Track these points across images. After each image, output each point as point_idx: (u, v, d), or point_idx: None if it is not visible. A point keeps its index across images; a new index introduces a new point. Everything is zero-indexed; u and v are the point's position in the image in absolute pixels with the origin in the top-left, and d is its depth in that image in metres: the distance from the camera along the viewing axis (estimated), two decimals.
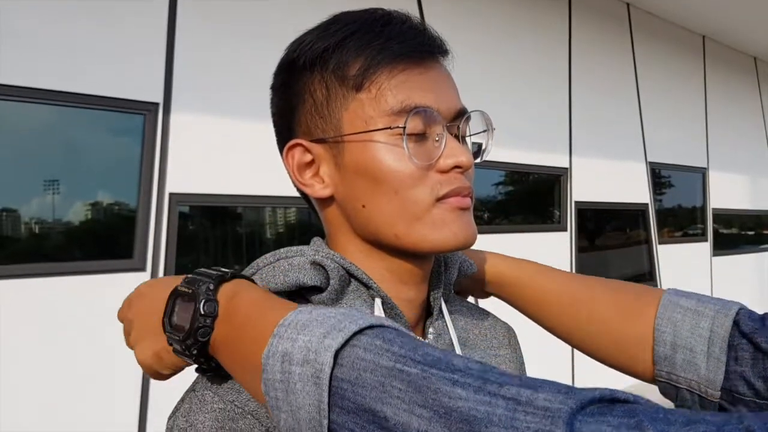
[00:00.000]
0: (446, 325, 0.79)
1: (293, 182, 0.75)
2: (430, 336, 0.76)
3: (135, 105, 3.65)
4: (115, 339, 3.30)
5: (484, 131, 0.77)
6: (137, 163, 3.67)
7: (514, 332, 0.92)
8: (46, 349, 3.30)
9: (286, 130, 0.75)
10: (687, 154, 8.24)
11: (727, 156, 8.91)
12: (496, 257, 0.92)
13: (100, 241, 3.72)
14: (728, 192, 8.99)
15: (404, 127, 0.67)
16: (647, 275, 7.48)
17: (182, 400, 0.66)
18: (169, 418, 0.66)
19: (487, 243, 5.77)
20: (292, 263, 0.70)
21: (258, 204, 4.27)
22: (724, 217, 9.03)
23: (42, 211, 3.49)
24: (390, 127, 0.68)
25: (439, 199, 0.69)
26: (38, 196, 3.48)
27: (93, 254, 3.64)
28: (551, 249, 6.25)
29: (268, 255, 0.72)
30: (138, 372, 3.56)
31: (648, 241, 7.52)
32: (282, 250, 0.73)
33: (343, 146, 0.70)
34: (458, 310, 0.85)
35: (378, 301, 0.71)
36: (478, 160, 0.76)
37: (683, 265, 7.97)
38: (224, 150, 3.99)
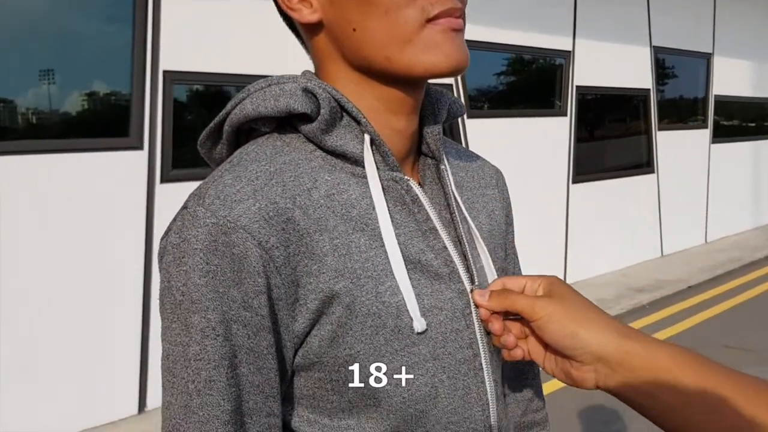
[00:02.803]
0: (445, 168, 0.79)
1: (279, 8, 0.74)
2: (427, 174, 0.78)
3: None
4: (113, 216, 3.29)
5: None
6: (130, 43, 3.58)
7: (501, 174, 0.94)
8: (45, 225, 3.34)
9: None
10: (692, 39, 8.02)
11: (734, 40, 8.66)
12: (616, 328, 0.68)
13: (98, 125, 3.70)
14: (732, 78, 8.83)
15: None
16: (645, 164, 7.49)
17: (174, 219, 0.66)
18: (162, 238, 0.66)
19: (487, 127, 5.65)
20: (284, 89, 0.69)
21: None
22: (726, 107, 8.91)
23: (38, 100, 3.47)
24: None
25: (429, 20, 0.67)
26: (34, 86, 3.44)
27: (90, 135, 3.61)
28: (550, 135, 6.22)
29: (260, 80, 0.72)
30: (140, 247, 3.60)
31: (648, 128, 7.47)
32: (274, 75, 0.72)
33: None
34: (448, 152, 0.86)
35: (367, 138, 0.71)
36: None
37: (682, 152, 7.95)
38: (223, 25, 3.81)
